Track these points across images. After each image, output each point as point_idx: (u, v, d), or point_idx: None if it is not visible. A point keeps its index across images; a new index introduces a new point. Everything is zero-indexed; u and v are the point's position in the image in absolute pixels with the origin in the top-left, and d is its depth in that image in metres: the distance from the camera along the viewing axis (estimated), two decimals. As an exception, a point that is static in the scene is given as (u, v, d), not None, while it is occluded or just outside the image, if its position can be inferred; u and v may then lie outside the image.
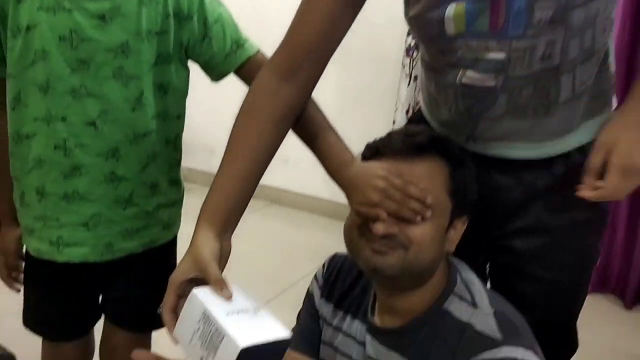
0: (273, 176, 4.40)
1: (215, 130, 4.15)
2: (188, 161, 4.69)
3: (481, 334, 0.86)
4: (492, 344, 0.84)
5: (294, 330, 1.12)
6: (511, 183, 1.01)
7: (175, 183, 1.27)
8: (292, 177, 3.89)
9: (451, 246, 0.94)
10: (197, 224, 0.90)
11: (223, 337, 0.74)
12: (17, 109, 1.08)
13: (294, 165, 3.90)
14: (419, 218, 0.86)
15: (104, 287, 1.27)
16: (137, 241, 1.21)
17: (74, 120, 1.08)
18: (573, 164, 0.99)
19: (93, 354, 1.39)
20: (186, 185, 4.74)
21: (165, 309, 0.82)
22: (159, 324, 1.30)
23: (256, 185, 0.96)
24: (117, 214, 1.17)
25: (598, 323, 2.53)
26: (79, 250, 1.15)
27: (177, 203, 1.30)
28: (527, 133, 0.98)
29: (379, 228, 0.85)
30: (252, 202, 3.93)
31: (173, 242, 1.34)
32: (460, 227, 0.95)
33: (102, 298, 1.31)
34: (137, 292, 1.25)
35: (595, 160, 0.88)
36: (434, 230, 0.88)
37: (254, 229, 3.51)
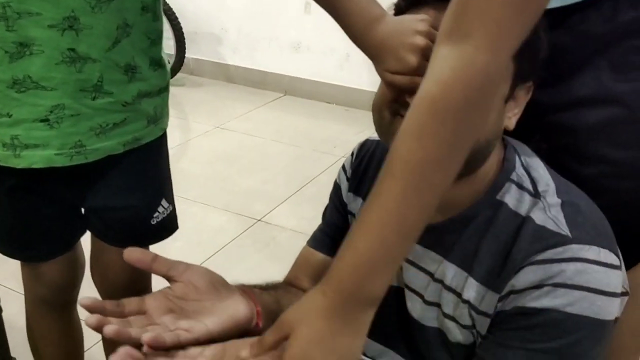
0: (284, 65, 4.23)
1: (221, 17, 3.92)
2: (193, 51, 4.53)
3: (544, 229, 0.67)
4: (557, 241, 0.66)
5: (318, 228, 0.96)
6: (561, 37, 0.78)
7: (159, 65, 1.02)
8: (304, 63, 3.63)
9: (511, 122, 0.72)
10: None
11: None
12: None
13: (305, 50, 3.64)
14: None
15: (82, 197, 1.05)
16: (115, 139, 0.99)
17: None
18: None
19: (83, 269, 1.22)
20: (193, 79, 4.53)
21: None
22: (151, 238, 1.13)
23: None
24: (85, 105, 0.93)
25: None
26: (41, 152, 0.94)
27: (163, 91, 1.06)
28: None
29: None
30: (264, 93, 3.68)
31: (162, 140, 1.12)
32: (523, 98, 0.73)
33: (84, 210, 1.09)
34: (121, 201, 1.06)
35: (267, 339, 0.64)
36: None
37: (269, 121, 3.35)
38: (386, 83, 0.70)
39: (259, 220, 2.27)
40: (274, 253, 2.08)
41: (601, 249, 0.65)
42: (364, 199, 0.88)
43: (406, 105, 0.65)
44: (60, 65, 0.89)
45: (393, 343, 0.86)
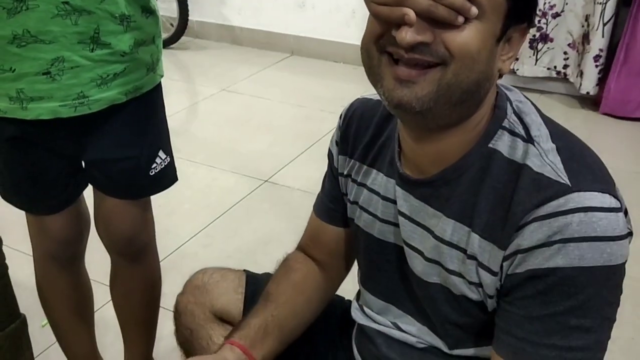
0: (289, 24, 4.17)
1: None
2: (197, 14, 4.48)
3: (542, 177, 0.65)
4: (557, 190, 0.63)
5: (321, 195, 0.96)
6: None
7: (150, 12, 1.03)
8: (310, 22, 3.56)
9: (504, 65, 0.68)
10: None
11: None
12: None
13: (310, 9, 3.57)
14: (460, 19, 0.60)
15: (84, 150, 1.07)
16: (117, 89, 1.00)
17: None
18: None
19: (88, 224, 1.23)
20: (198, 42, 4.50)
21: None
22: (151, 189, 1.16)
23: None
24: (85, 57, 0.95)
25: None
26: (46, 105, 0.96)
27: (157, 37, 1.07)
28: None
29: (404, 35, 0.60)
30: (270, 54, 3.64)
31: (158, 90, 1.12)
32: (517, 41, 0.68)
33: (85, 163, 1.11)
34: (121, 152, 1.07)
35: None
36: (481, 38, 0.62)
37: (276, 82, 3.31)
38: (372, 14, 0.66)
39: (266, 180, 2.27)
40: (282, 212, 2.08)
41: (602, 194, 0.63)
42: (355, 159, 0.86)
43: (392, 41, 0.63)
44: (56, 19, 0.90)
45: (396, 298, 0.85)
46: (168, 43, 3.67)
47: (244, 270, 1.06)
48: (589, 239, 0.61)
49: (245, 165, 2.37)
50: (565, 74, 2.97)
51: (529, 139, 0.68)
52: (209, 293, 1.00)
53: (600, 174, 0.66)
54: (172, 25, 3.64)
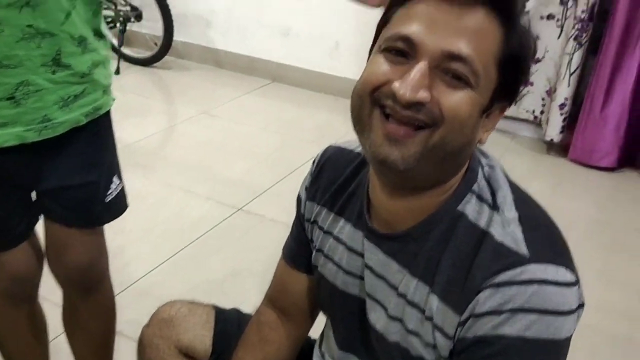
0: (273, 51, 4.19)
1: (211, 0, 3.87)
2: (182, 34, 4.47)
3: (502, 246, 0.67)
4: (514, 260, 0.66)
5: (290, 239, 0.97)
6: None
7: (100, 35, 1.06)
8: (293, 50, 3.61)
9: (484, 136, 0.72)
10: None
11: None
12: None
13: (295, 37, 3.61)
14: (472, 78, 0.65)
15: (38, 179, 1.06)
16: (78, 111, 1.02)
17: None
18: None
19: (42, 258, 1.20)
20: (180, 63, 4.47)
21: None
22: (106, 217, 1.16)
23: None
24: (47, 79, 0.96)
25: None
26: (11, 130, 0.96)
27: (108, 61, 1.09)
28: None
29: (404, 93, 0.63)
30: (252, 80, 3.65)
31: (109, 113, 1.13)
32: (496, 116, 0.72)
33: (38, 193, 1.10)
34: (78, 178, 1.07)
35: None
36: (472, 105, 0.66)
37: (255, 109, 3.33)
38: (386, 42, 0.68)
39: (240, 209, 2.27)
40: (253, 242, 2.08)
41: (558, 268, 0.65)
42: (323, 205, 0.88)
43: (388, 94, 0.65)
44: (21, 43, 0.91)
45: (355, 348, 0.87)
46: (151, 62, 3.68)
47: (213, 305, 1.06)
48: (538, 312, 0.64)
49: (220, 191, 2.38)
50: (540, 120, 3.06)
51: (494, 206, 0.71)
52: (175, 327, 0.99)
53: (558, 246, 0.69)
54: (156, 44, 3.65)
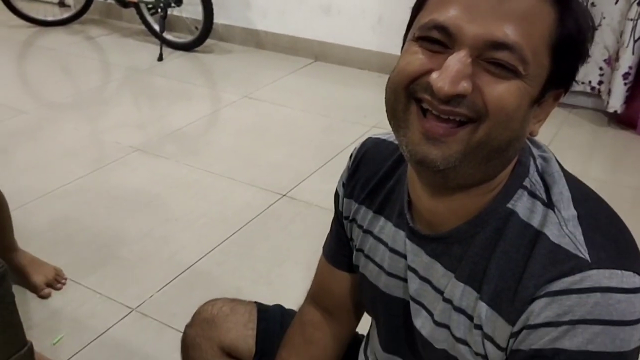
0: (314, 29, 4.12)
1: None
2: (222, 17, 4.48)
3: (559, 249, 0.60)
4: (574, 265, 0.58)
5: (330, 236, 0.93)
6: None
7: None
8: (335, 28, 3.51)
9: (535, 128, 0.64)
10: None
11: None
12: None
13: (336, 14, 3.52)
14: (520, 67, 0.57)
15: None
16: None
17: None
18: None
19: None
20: (222, 46, 4.49)
21: None
22: None
23: None
24: None
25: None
26: None
27: None
28: None
29: (443, 85, 0.56)
30: (294, 60, 3.60)
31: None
32: (550, 105, 0.65)
33: None
34: None
35: None
36: (520, 96, 0.58)
37: (298, 89, 3.27)
38: (421, 29, 0.61)
39: (284, 195, 2.23)
40: (298, 229, 2.04)
41: (624, 272, 0.58)
42: (362, 203, 0.82)
43: (425, 87, 0.59)
44: None
45: (400, 351, 0.82)
46: (193, 46, 3.67)
47: (255, 302, 1.03)
48: (601, 323, 0.57)
49: (263, 177, 2.35)
50: (599, 90, 2.88)
51: (549, 204, 0.64)
52: (217, 327, 0.97)
53: (624, 248, 0.61)
54: (196, 28, 3.63)
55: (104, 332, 1.58)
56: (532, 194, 0.65)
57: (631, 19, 2.56)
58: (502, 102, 0.58)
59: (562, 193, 0.64)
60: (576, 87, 2.91)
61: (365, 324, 0.96)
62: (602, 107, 2.86)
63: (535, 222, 0.63)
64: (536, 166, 0.67)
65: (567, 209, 0.63)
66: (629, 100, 2.72)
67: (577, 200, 0.64)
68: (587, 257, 0.59)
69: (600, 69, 2.84)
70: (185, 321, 1.02)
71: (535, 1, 0.58)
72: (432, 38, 0.59)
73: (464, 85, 0.57)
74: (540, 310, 0.59)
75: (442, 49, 0.59)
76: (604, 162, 2.60)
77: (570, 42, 0.60)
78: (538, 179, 0.66)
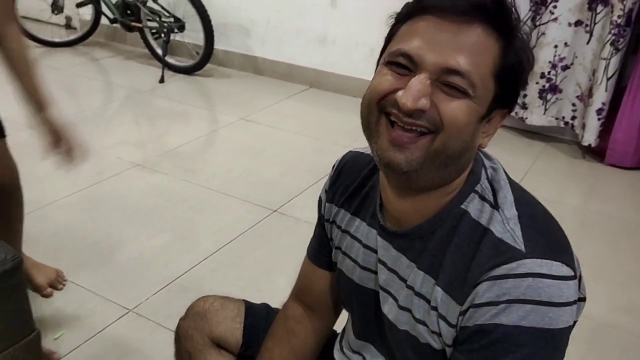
0: (310, 58, 4.29)
1: (250, 10, 4.00)
2: (222, 44, 4.62)
3: (502, 242, 0.71)
4: (512, 255, 0.69)
5: (313, 239, 1.04)
6: None
7: None
8: (330, 58, 3.69)
9: (484, 141, 0.77)
10: None
11: None
12: None
13: (331, 45, 3.69)
14: (470, 90, 0.69)
15: None
16: None
17: None
18: None
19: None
20: (221, 70, 4.61)
21: None
22: None
23: None
24: None
25: None
26: None
27: None
28: None
29: (406, 102, 0.68)
30: (290, 86, 3.74)
31: None
32: (497, 122, 0.77)
33: None
34: None
35: None
36: (469, 113, 0.70)
37: (293, 114, 3.42)
38: (392, 55, 0.73)
39: (275, 210, 2.36)
40: (287, 243, 2.16)
41: (554, 262, 0.69)
42: (340, 206, 0.94)
43: (393, 103, 0.71)
44: None
45: (370, 338, 0.93)
46: (193, 70, 3.83)
47: (243, 300, 1.13)
48: (533, 302, 0.67)
49: (256, 194, 2.47)
50: (572, 125, 3.02)
51: (495, 205, 0.76)
52: (208, 320, 1.06)
53: (556, 243, 0.73)
54: (197, 53, 3.80)
55: (102, 330, 1.68)
56: (482, 198, 0.77)
57: (604, 58, 2.71)
58: (455, 117, 0.69)
59: (506, 197, 0.76)
60: (550, 123, 3.07)
61: (341, 323, 1.05)
62: (576, 139, 3.00)
63: (483, 221, 0.75)
64: (487, 175, 0.79)
65: (510, 210, 0.75)
66: (602, 134, 2.86)
67: (519, 203, 0.76)
68: (524, 248, 0.70)
69: (573, 105, 2.98)
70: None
71: (483, 37, 0.70)
72: (399, 63, 0.71)
73: (424, 102, 0.68)
74: (484, 292, 0.70)
75: (407, 72, 0.70)
76: (577, 191, 2.73)
77: (511, 71, 0.73)
78: (488, 185, 0.78)
